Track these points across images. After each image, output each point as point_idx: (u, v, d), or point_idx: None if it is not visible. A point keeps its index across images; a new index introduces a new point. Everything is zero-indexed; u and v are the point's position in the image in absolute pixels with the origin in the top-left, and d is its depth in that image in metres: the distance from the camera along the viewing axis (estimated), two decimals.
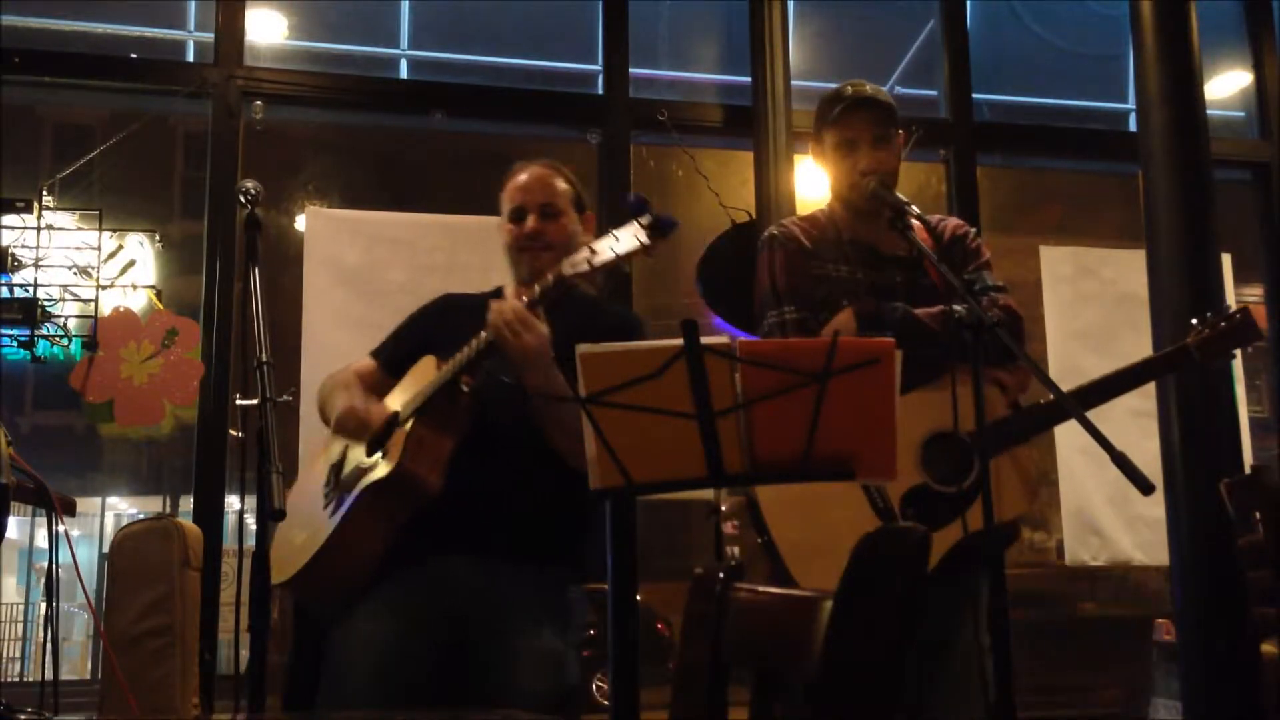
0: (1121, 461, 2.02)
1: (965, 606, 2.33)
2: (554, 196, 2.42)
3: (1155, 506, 3.74)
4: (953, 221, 2.62)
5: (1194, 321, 2.40)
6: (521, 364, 2.14)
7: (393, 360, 2.47)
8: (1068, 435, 4.16)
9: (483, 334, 2.17)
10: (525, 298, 2.18)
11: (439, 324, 2.47)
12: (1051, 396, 2.27)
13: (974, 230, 2.64)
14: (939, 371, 2.27)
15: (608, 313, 2.52)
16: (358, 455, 2.31)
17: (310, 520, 2.32)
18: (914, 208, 2.37)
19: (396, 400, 2.33)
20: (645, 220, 2.07)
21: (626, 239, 2.08)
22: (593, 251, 2.12)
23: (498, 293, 2.47)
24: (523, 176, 2.46)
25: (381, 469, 2.19)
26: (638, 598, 4.12)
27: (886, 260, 2.52)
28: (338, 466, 2.36)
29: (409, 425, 2.20)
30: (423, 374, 2.30)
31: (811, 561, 2.26)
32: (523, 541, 2.26)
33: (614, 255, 2.08)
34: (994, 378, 2.32)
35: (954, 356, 2.18)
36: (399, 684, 2.16)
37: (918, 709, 2.34)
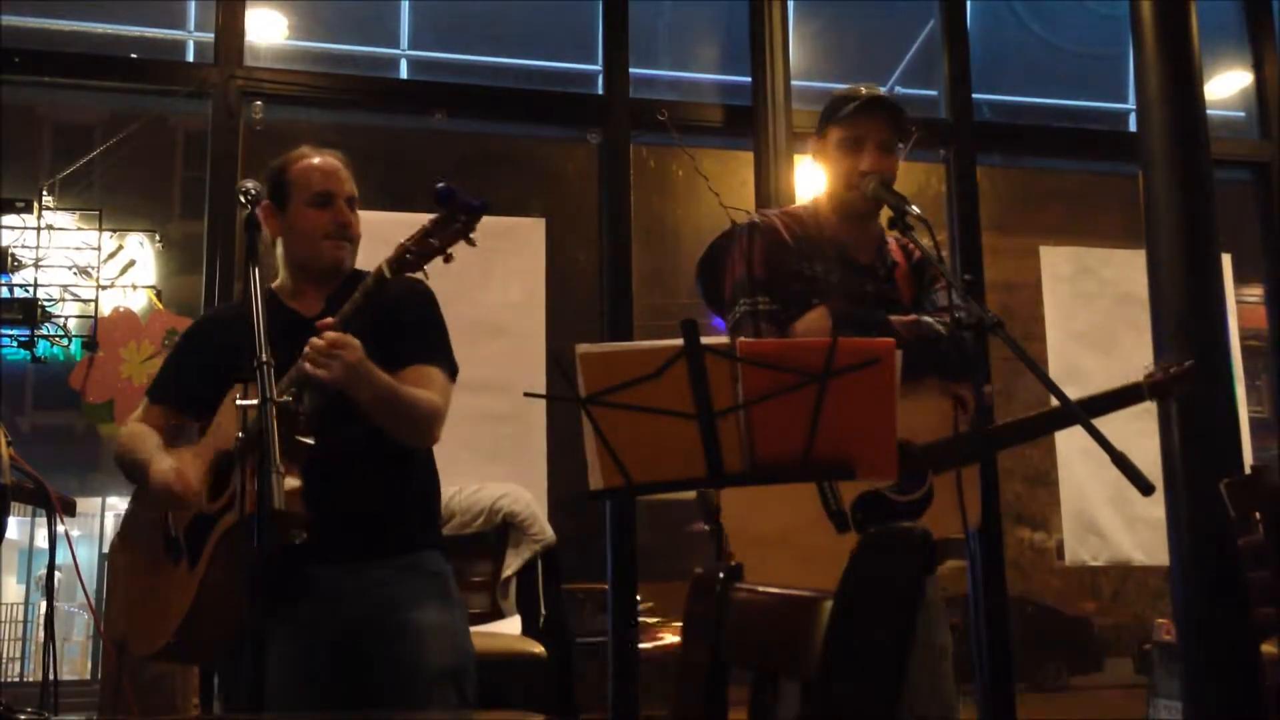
0: (1122, 462, 2.02)
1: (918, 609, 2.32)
2: (353, 189, 2.40)
3: (1155, 506, 3.74)
4: (926, 240, 2.64)
5: (1145, 366, 2.44)
6: (346, 387, 2.13)
7: (180, 395, 2.38)
8: (1068, 436, 4.15)
9: (297, 369, 2.12)
10: (333, 318, 2.15)
11: (214, 345, 2.38)
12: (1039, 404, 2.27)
13: (943, 255, 2.66)
14: (906, 381, 2.28)
15: (393, 284, 2.37)
16: (199, 503, 2.23)
17: (161, 584, 2.25)
18: (914, 208, 2.37)
19: (215, 438, 2.24)
20: (454, 206, 2.06)
21: (441, 229, 2.08)
22: (416, 247, 2.10)
23: (269, 295, 2.35)
24: (323, 160, 2.39)
25: (234, 511, 2.10)
26: (638, 598, 4.11)
27: (860, 267, 2.53)
28: (162, 522, 2.28)
29: (247, 460, 2.06)
30: (233, 406, 2.14)
31: (759, 553, 2.26)
32: (383, 535, 2.28)
33: (436, 246, 2.08)
34: (955, 393, 2.34)
35: (922, 367, 2.19)
36: (313, 704, 2.19)
37: None
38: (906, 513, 2.29)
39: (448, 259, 2.12)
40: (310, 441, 2.11)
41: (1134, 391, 2.42)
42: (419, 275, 2.16)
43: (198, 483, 2.19)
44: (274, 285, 2.42)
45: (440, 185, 2.07)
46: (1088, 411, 2.25)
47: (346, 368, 2.10)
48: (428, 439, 2.30)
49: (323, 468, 2.14)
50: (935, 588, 2.41)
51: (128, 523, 2.44)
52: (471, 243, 2.10)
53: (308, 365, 2.10)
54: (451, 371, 2.34)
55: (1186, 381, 2.42)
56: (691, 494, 2.22)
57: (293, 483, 2.08)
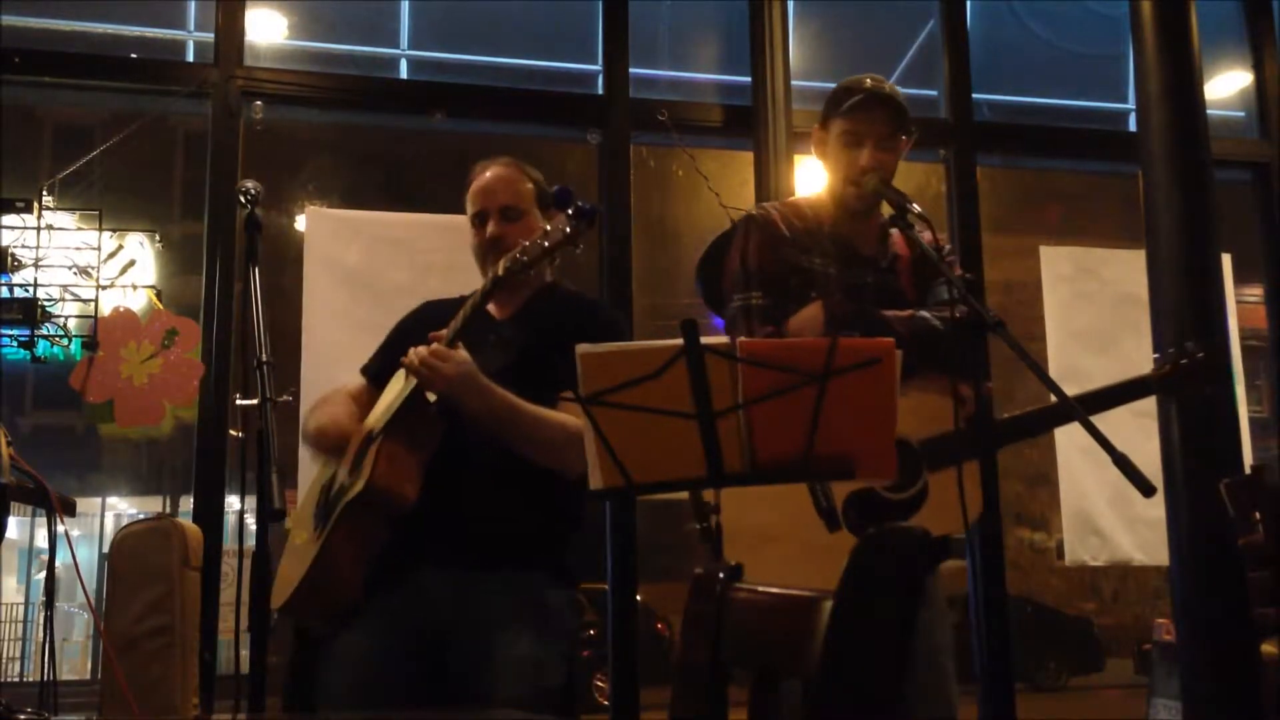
0: (1123, 463, 2.01)
1: (920, 607, 2.33)
2: (515, 198, 2.40)
3: (1155, 506, 3.74)
4: (927, 236, 2.62)
5: (1155, 356, 2.41)
6: (450, 398, 2.16)
7: (380, 374, 2.45)
8: (1068, 435, 4.16)
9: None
10: (439, 337, 2.19)
11: (417, 333, 2.43)
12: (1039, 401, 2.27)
13: (948, 247, 2.63)
14: (904, 377, 2.27)
15: (587, 310, 2.50)
16: (342, 475, 2.30)
17: (304, 545, 2.33)
18: (915, 205, 2.37)
19: (374, 415, 2.32)
20: (570, 210, 2.09)
21: (554, 232, 2.11)
22: (523, 249, 2.14)
23: (473, 294, 2.45)
24: (484, 177, 2.44)
25: (357, 486, 2.19)
26: (638, 598, 4.11)
27: (861, 260, 2.51)
28: (327, 488, 2.35)
29: (379, 441, 2.20)
30: (395, 387, 2.29)
31: (753, 550, 2.25)
32: (496, 549, 2.25)
33: (543, 248, 2.11)
34: (953, 390, 2.32)
35: (919, 363, 2.18)
36: (379, 701, 2.18)
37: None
38: (899, 511, 2.27)
39: (554, 261, 2.17)
40: (440, 428, 2.20)
41: (1140, 385, 2.40)
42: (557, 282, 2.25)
43: (354, 435, 2.29)
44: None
45: (558, 188, 2.13)
46: (1094, 406, 2.24)
47: (445, 381, 2.13)
48: (564, 463, 2.20)
49: (448, 467, 2.18)
50: (937, 586, 2.40)
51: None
52: (578, 247, 2.14)
53: (417, 372, 2.15)
54: None
55: (1199, 374, 2.37)
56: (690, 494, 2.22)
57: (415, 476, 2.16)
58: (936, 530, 2.19)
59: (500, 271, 2.16)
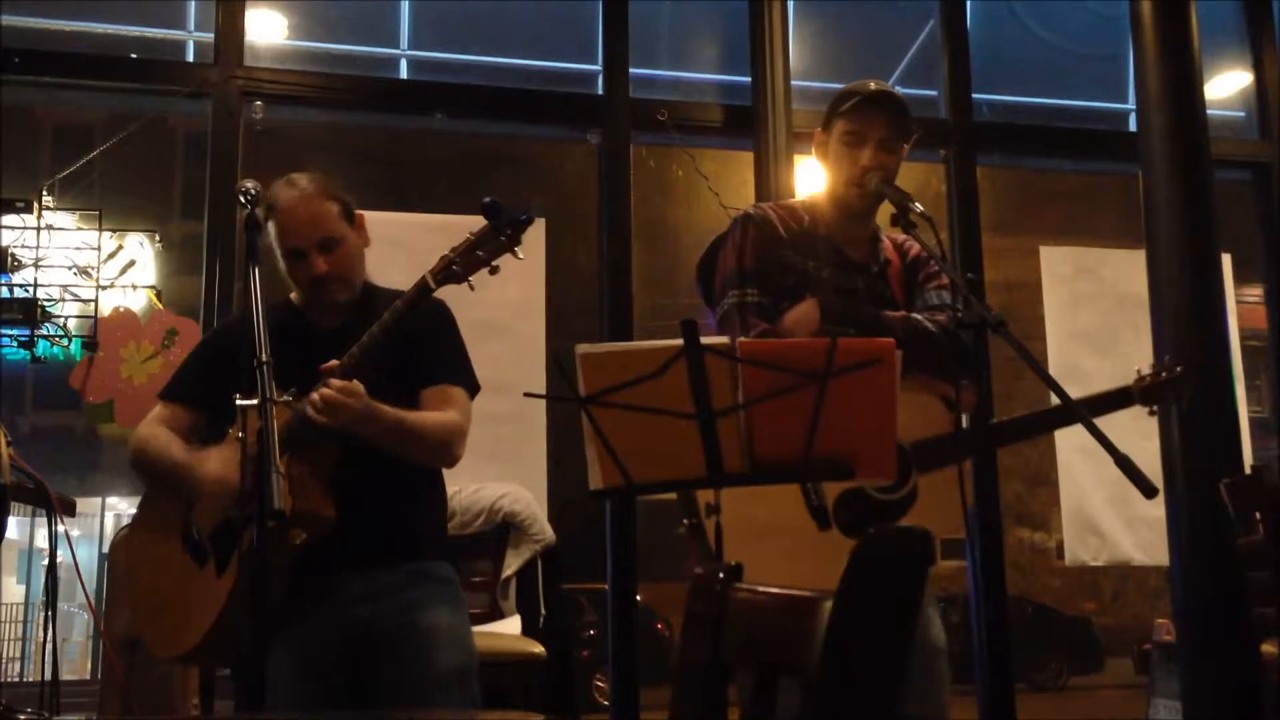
0: (1125, 464, 2.02)
1: (919, 609, 2.33)
2: (328, 229, 2.33)
3: (1155, 506, 3.74)
4: (916, 245, 2.62)
5: (1137, 370, 2.44)
6: (351, 432, 2.16)
7: (193, 394, 2.39)
8: (1068, 435, 4.16)
9: (301, 410, 2.15)
10: (336, 367, 2.16)
11: (231, 349, 2.34)
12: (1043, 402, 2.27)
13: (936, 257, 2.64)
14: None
15: (413, 302, 2.36)
16: (213, 513, 2.25)
17: (183, 586, 2.27)
18: (917, 205, 2.37)
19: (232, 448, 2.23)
20: (499, 221, 2.08)
21: (487, 241, 2.10)
22: (461, 259, 2.12)
23: (286, 304, 2.42)
24: (290, 211, 2.32)
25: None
26: (638, 598, 4.12)
27: (853, 265, 2.52)
28: (186, 524, 2.30)
29: (282, 470, 2.11)
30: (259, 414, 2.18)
31: (742, 547, 2.25)
32: (399, 545, 2.31)
33: (482, 258, 2.10)
34: (943, 392, 2.33)
35: (914, 363, 2.18)
36: (319, 701, 2.21)
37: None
38: (889, 511, 2.27)
39: (493, 271, 2.14)
40: (337, 446, 2.18)
41: (1123, 395, 2.42)
42: (464, 286, 2.17)
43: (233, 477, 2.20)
44: (291, 296, 2.43)
45: (486, 200, 2.10)
46: (1077, 414, 2.25)
47: (353, 417, 2.13)
48: (445, 460, 2.34)
49: (346, 478, 2.19)
50: (929, 587, 2.39)
51: (141, 523, 2.44)
52: (517, 255, 2.13)
53: (311, 412, 2.12)
54: (473, 390, 2.38)
55: (1182, 386, 2.41)
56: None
57: (327, 497, 2.17)
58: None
59: (432, 283, 2.15)
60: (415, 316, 2.23)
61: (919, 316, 2.43)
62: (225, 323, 2.61)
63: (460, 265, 2.13)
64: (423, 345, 2.33)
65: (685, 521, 2.32)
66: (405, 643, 2.24)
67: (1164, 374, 2.42)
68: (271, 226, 2.33)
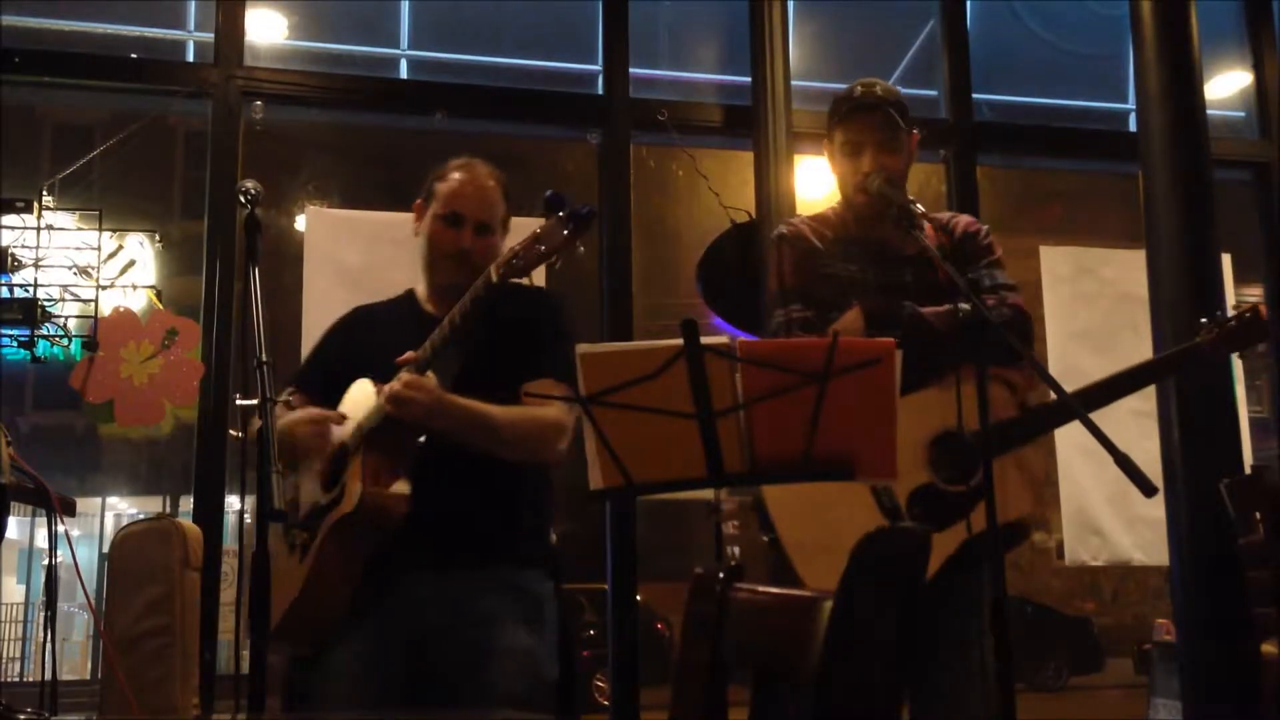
0: (1125, 463, 2.01)
1: (971, 604, 2.34)
2: (492, 216, 2.38)
3: (1155, 506, 3.74)
4: (965, 219, 2.62)
5: (1203, 320, 2.38)
6: (424, 425, 2.16)
7: (316, 384, 2.43)
8: (1068, 435, 4.16)
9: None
10: (413, 359, 2.18)
11: (355, 340, 2.45)
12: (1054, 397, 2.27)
13: (985, 228, 2.62)
14: (947, 370, 2.26)
15: (533, 300, 2.44)
16: (310, 494, 2.29)
17: (279, 565, 2.27)
18: (920, 206, 2.37)
19: (343, 430, 2.29)
20: (563, 214, 2.06)
21: (550, 237, 2.08)
22: (524, 253, 2.11)
23: (409, 296, 2.46)
24: (470, 181, 2.39)
25: (345, 504, 2.17)
26: (638, 598, 4.12)
27: (896, 258, 2.51)
28: (293, 507, 2.33)
29: (359, 457, 2.18)
30: (360, 400, 2.27)
31: (817, 560, 2.26)
32: (479, 547, 2.26)
33: (543, 252, 2.09)
34: (1003, 378, 2.32)
35: (961, 355, 2.18)
36: (376, 708, 2.18)
37: (926, 705, 2.36)
38: (962, 502, 2.28)
39: (555, 264, 2.13)
40: (421, 439, 2.18)
41: (1194, 352, 2.36)
42: (525, 281, 2.17)
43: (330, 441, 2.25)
44: (415, 289, 2.47)
45: (549, 193, 2.09)
46: (1137, 381, 2.24)
47: (424, 410, 2.13)
48: (542, 457, 2.29)
49: (428, 471, 2.18)
50: (988, 583, 2.39)
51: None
52: (578, 249, 2.10)
53: (389, 407, 2.13)
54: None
55: (1255, 330, 2.29)
56: (692, 494, 2.22)
57: (401, 488, 2.16)
58: (1005, 515, 2.20)
59: (495, 277, 2.13)
60: (518, 308, 2.25)
61: (965, 306, 2.40)
62: (349, 313, 2.58)
63: (522, 260, 2.11)
64: (526, 337, 2.31)
65: (765, 538, 2.33)
66: (468, 657, 2.18)
67: (1231, 321, 2.32)
68: (438, 186, 2.37)
